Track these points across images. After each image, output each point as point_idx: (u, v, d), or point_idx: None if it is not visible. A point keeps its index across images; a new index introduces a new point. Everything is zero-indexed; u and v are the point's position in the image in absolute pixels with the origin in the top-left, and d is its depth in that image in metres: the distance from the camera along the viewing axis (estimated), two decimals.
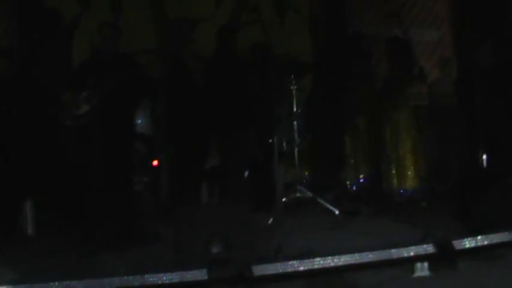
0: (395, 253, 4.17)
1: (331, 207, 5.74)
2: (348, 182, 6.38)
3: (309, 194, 5.78)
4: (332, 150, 6.43)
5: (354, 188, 6.33)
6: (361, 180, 6.28)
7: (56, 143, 5.74)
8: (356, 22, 7.69)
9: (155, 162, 6.56)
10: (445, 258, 4.21)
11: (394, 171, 6.08)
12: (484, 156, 6.13)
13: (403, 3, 7.79)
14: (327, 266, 3.94)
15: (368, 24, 7.71)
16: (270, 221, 5.32)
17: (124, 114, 5.34)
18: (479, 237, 4.49)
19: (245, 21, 6.78)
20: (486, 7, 7.89)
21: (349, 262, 4.00)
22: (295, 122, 5.83)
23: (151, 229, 5.19)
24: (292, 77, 5.87)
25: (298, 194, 5.78)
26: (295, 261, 3.86)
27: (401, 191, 6.04)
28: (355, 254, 4.09)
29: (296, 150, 5.87)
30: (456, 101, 6.48)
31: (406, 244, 4.31)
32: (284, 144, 5.93)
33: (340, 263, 3.97)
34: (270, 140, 5.91)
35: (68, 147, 5.54)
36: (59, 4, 6.58)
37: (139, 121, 6.48)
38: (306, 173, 6.39)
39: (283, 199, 5.66)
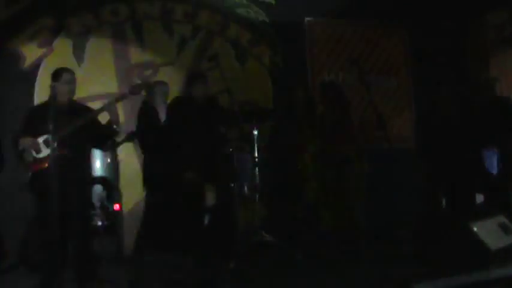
0: None
1: (292, 252, 5.75)
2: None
3: (270, 238, 5.77)
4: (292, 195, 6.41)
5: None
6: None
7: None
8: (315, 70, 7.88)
9: (117, 206, 6.47)
10: None
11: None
12: (442, 200, 6.24)
13: (361, 51, 8.06)
14: None
15: (328, 71, 7.93)
16: (232, 265, 5.28)
17: (83, 158, 5.29)
18: (438, 281, 4.56)
19: (205, 67, 6.83)
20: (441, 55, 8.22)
21: None
22: (256, 167, 5.86)
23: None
24: (253, 123, 5.94)
25: (259, 239, 5.76)
26: None
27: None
28: None
29: (257, 195, 5.88)
30: (414, 145, 6.61)
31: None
32: (245, 188, 5.93)
33: None
34: (232, 185, 5.91)
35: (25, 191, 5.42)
36: (20, 47, 6.61)
37: (100, 165, 6.45)
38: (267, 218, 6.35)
39: (245, 244, 5.64)
